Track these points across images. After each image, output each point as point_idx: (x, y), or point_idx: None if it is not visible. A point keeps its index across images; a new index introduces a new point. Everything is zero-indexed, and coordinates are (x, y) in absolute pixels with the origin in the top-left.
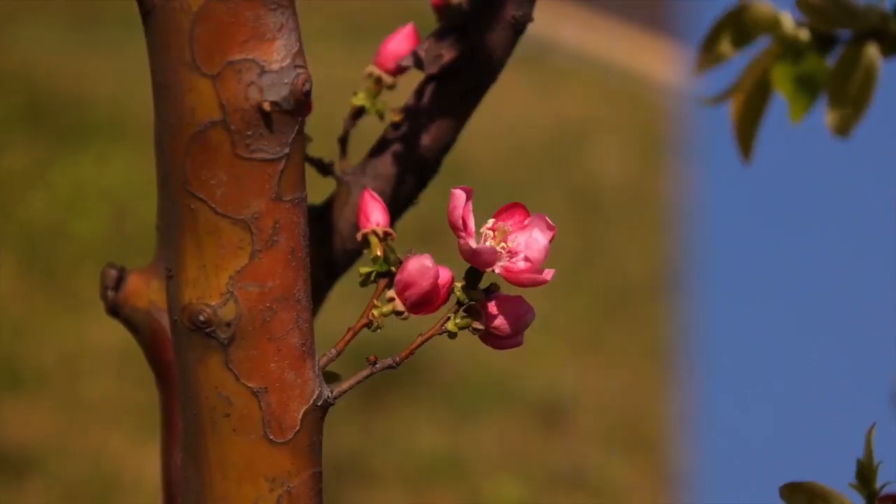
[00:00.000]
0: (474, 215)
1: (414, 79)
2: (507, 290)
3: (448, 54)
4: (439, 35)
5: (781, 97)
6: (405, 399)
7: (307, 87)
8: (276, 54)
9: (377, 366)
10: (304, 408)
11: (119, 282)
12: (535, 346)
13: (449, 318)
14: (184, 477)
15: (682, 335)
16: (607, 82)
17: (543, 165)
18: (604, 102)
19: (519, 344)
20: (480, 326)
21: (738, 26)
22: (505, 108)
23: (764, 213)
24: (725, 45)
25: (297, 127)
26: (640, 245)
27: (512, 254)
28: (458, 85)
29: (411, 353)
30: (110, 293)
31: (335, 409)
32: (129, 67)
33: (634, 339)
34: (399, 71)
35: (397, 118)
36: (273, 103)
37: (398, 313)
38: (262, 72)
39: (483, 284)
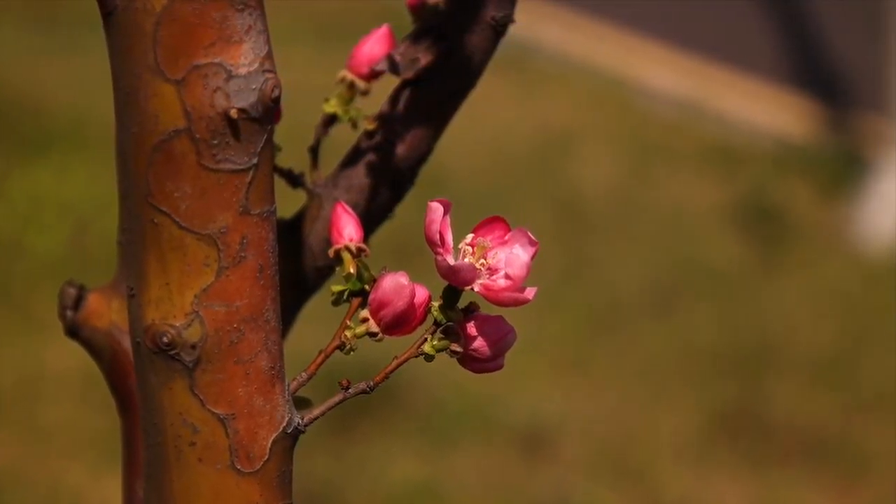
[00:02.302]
0: (452, 230)
1: (389, 84)
2: (487, 309)
3: (425, 58)
4: (415, 37)
5: None
6: (380, 426)
7: (276, 92)
8: (244, 58)
9: (350, 391)
10: (274, 435)
11: (78, 301)
12: (516, 368)
13: (426, 340)
14: None
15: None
16: (593, 87)
17: (526, 176)
18: (589, 108)
19: (500, 367)
20: (459, 349)
21: None
22: (485, 114)
23: None
24: None
25: (265, 135)
26: (628, 259)
27: (492, 271)
28: (435, 90)
29: (386, 376)
30: (69, 313)
31: (306, 436)
32: (89, 72)
33: (623, 360)
34: (373, 76)
35: (371, 126)
36: (240, 110)
37: (372, 335)
38: (229, 76)
39: (462, 304)
